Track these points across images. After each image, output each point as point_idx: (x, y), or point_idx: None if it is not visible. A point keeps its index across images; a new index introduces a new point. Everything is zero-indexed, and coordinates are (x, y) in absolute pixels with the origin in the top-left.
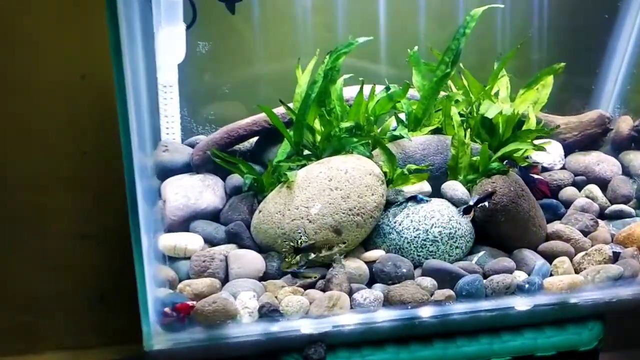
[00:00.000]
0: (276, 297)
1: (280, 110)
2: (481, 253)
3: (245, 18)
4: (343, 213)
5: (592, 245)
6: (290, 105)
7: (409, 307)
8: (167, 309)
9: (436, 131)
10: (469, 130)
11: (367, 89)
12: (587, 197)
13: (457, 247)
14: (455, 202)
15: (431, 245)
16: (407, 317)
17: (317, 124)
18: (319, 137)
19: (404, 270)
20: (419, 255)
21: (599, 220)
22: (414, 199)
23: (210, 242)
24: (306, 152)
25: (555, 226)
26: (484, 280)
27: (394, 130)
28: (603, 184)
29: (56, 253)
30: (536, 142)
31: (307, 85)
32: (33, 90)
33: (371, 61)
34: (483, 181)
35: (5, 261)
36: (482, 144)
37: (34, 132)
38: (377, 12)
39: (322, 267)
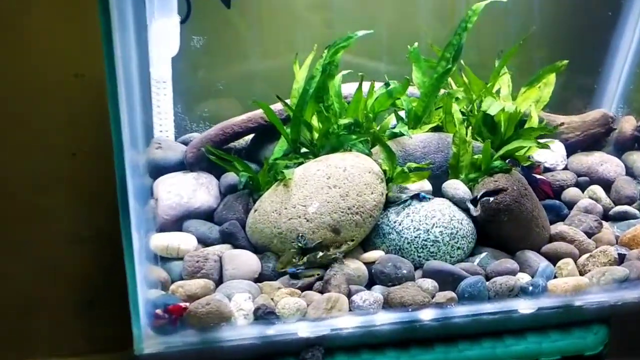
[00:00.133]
0: (272, 299)
1: (277, 106)
2: (483, 254)
3: (241, 12)
4: (341, 212)
5: (596, 247)
6: (287, 101)
7: (410, 309)
8: (158, 311)
9: (436, 129)
10: (470, 128)
11: (365, 86)
12: (591, 198)
13: (458, 248)
14: (456, 202)
15: (432, 245)
16: (407, 319)
17: (314, 121)
18: (316, 135)
19: (405, 271)
20: (420, 256)
21: (603, 222)
22: (416, 197)
23: (204, 242)
24: (303, 149)
25: (559, 227)
26: (487, 282)
27: (394, 128)
28: (606, 184)
29: (46, 256)
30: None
31: (304, 81)
32: (27, 90)
33: (370, 58)
34: (485, 180)
35: None
36: (483, 142)
37: (28, 132)
38: (376, 9)
39: (319, 268)
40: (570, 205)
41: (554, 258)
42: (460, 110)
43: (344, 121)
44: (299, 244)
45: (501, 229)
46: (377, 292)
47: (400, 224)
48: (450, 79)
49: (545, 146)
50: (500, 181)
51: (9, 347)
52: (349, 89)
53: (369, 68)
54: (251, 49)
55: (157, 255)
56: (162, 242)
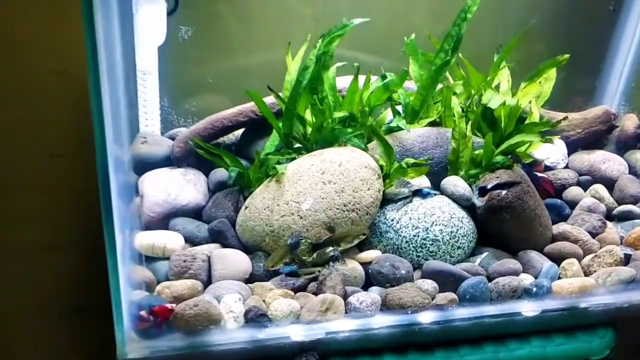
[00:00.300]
0: (264, 300)
1: (268, 100)
2: (484, 254)
3: (232, 2)
4: (337, 209)
5: (600, 248)
6: (280, 94)
7: (409, 311)
8: (143, 313)
9: (435, 124)
10: (469, 123)
11: (361, 79)
12: (593, 197)
13: (459, 248)
14: (456, 199)
15: (431, 245)
16: (406, 322)
17: (308, 115)
18: (310, 129)
19: (403, 271)
20: (419, 256)
21: (607, 222)
22: (419, 192)
23: (192, 241)
24: (296, 144)
25: (562, 227)
26: (489, 283)
27: (390, 122)
28: (609, 183)
29: (26, 263)
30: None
31: (297, 72)
32: (6, 88)
33: (365, 52)
34: (487, 176)
35: None
36: (484, 137)
37: (7, 132)
38: (370, 2)
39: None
40: (572, 204)
41: (557, 258)
42: (459, 104)
43: (338, 114)
44: (308, 240)
45: (503, 228)
46: (374, 294)
47: (398, 222)
48: (447, 74)
49: (549, 141)
50: (501, 177)
51: None
52: (343, 82)
53: (363, 63)
54: (242, 41)
55: (142, 254)
56: (147, 241)
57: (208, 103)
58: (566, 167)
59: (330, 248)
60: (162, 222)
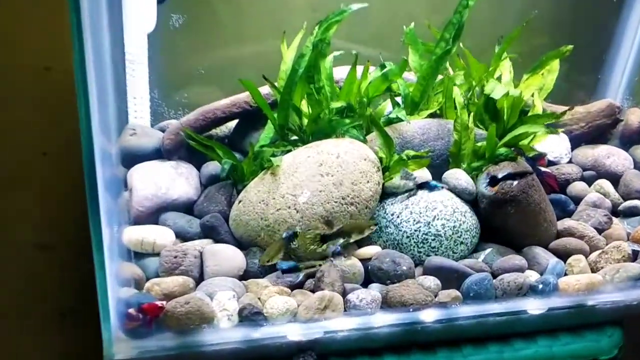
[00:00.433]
0: (259, 298)
1: (263, 90)
2: (488, 250)
3: None
4: (335, 202)
5: (606, 244)
6: (275, 84)
7: (411, 309)
8: (131, 311)
9: (435, 115)
10: (470, 115)
11: (359, 70)
12: (598, 192)
13: (461, 243)
14: (458, 193)
15: (433, 240)
16: (408, 321)
17: (304, 106)
18: (306, 120)
19: (404, 267)
20: (420, 252)
21: (613, 217)
22: (426, 185)
23: (183, 237)
24: (292, 136)
25: (567, 223)
26: (494, 280)
27: (389, 114)
28: (614, 179)
29: (12, 264)
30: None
31: (293, 61)
32: None
33: (362, 44)
34: (490, 168)
35: None
36: (486, 129)
37: None
38: None
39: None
40: (577, 200)
41: (563, 255)
42: (460, 95)
43: (336, 105)
44: (316, 231)
45: (507, 222)
46: (374, 291)
47: (398, 217)
48: (448, 65)
49: (554, 132)
50: (513, 167)
51: None
52: (340, 73)
53: (361, 55)
54: (235, 30)
55: (130, 250)
56: (136, 236)
57: (200, 95)
58: (569, 162)
59: (341, 240)
60: (152, 216)
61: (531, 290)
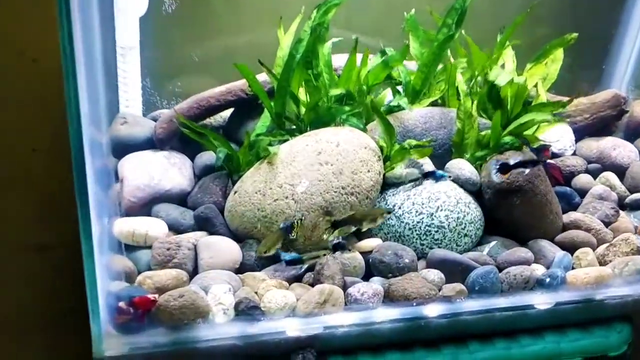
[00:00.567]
0: (256, 292)
1: (260, 78)
2: (493, 243)
3: None
4: (334, 192)
5: (614, 237)
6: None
7: (414, 303)
8: (122, 304)
9: (437, 104)
10: (474, 104)
11: (359, 57)
12: (604, 185)
13: (465, 235)
14: (462, 183)
15: (436, 232)
16: (411, 316)
17: (302, 95)
18: (303, 109)
19: (407, 260)
20: (423, 244)
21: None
22: (432, 175)
23: (176, 229)
24: (289, 125)
25: (573, 215)
26: (499, 274)
27: (390, 103)
28: (620, 171)
29: (5, 266)
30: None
31: (290, 46)
32: None
33: (361, 34)
34: (494, 158)
35: None
36: (489, 119)
37: None
38: None
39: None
40: (582, 193)
41: (570, 248)
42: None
43: (335, 92)
44: (327, 217)
45: (512, 214)
46: (376, 284)
47: (400, 208)
48: (449, 53)
49: (562, 120)
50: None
51: None
52: (339, 61)
53: (359, 45)
54: (231, 17)
55: (121, 243)
56: (127, 228)
57: (194, 84)
58: (573, 154)
59: (353, 227)
60: (144, 208)
61: (538, 284)
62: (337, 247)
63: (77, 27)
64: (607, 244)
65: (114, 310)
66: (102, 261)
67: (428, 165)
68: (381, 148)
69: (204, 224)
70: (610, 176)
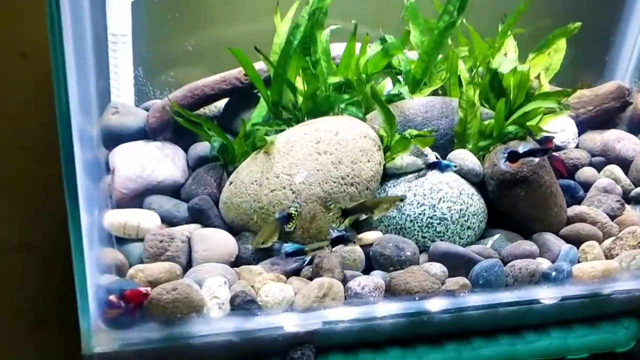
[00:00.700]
0: (252, 286)
1: (256, 67)
2: (496, 236)
3: None
4: (333, 182)
5: (619, 231)
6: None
7: (416, 298)
8: (112, 297)
9: (438, 94)
10: (476, 93)
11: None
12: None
13: (468, 228)
14: (464, 174)
15: (439, 224)
16: (413, 311)
17: (299, 83)
18: (301, 99)
19: (409, 253)
20: (425, 237)
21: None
22: (437, 165)
23: (169, 221)
24: (286, 115)
25: (578, 208)
26: (504, 267)
27: (389, 92)
28: (624, 164)
29: None
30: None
31: (288, 32)
32: None
33: (359, 23)
34: (498, 148)
35: None
36: (492, 109)
37: None
38: None
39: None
40: (585, 186)
41: (575, 241)
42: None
43: (333, 80)
44: (338, 205)
45: (516, 206)
46: (377, 278)
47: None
48: (450, 42)
49: (567, 108)
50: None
51: None
52: (337, 50)
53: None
54: (226, 4)
55: (112, 235)
56: (118, 219)
57: (187, 75)
58: (576, 147)
59: (364, 215)
60: (136, 200)
61: (544, 278)
62: (341, 240)
63: (66, 13)
64: (614, 238)
65: (104, 304)
66: (92, 254)
67: (431, 155)
68: (381, 138)
69: (198, 216)
70: (615, 169)
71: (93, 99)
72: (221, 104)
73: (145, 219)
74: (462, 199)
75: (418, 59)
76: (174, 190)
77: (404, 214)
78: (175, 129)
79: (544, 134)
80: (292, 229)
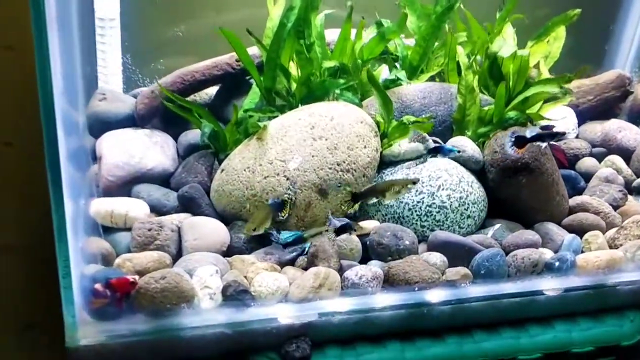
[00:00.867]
0: (245, 276)
1: (248, 52)
2: (497, 226)
3: None
4: (329, 168)
5: (622, 222)
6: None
7: (416, 288)
8: (98, 286)
9: (435, 81)
10: (475, 79)
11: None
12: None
13: (468, 217)
14: (464, 161)
15: (438, 212)
16: (413, 302)
17: (293, 69)
18: (295, 85)
19: (407, 242)
20: (423, 226)
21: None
22: (440, 149)
23: (159, 211)
24: (279, 102)
25: (580, 198)
26: (506, 257)
27: (386, 79)
28: (625, 155)
29: None
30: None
31: (281, 15)
32: None
33: (354, 12)
34: (498, 134)
35: None
36: (491, 96)
37: None
38: None
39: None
40: (586, 177)
41: (578, 231)
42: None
43: (328, 64)
44: (348, 188)
45: (517, 194)
46: (375, 267)
47: None
48: (447, 29)
49: (568, 92)
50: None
51: None
52: (331, 35)
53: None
54: None
55: (98, 225)
56: (105, 208)
57: (178, 62)
58: (576, 138)
59: (374, 199)
60: (124, 188)
61: (547, 269)
62: (344, 229)
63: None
64: (618, 227)
65: (89, 294)
66: (77, 244)
67: (430, 141)
68: (378, 124)
69: (188, 205)
70: (617, 159)
71: (79, 85)
72: (212, 91)
73: (133, 208)
74: (461, 186)
75: (415, 44)
76: (163, 179)
77: (402, 202)
78: (164, 117)
79: (544, 122)
80: (284, 217)
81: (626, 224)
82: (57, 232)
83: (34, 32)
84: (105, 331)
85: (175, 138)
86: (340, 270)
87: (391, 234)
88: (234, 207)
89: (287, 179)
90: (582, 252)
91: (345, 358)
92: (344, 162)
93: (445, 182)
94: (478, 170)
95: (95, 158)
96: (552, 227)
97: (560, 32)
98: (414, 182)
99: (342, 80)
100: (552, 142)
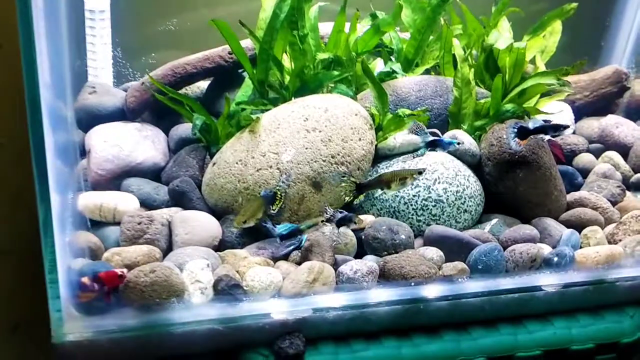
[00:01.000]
0: (237, 271)
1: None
2: (494, 221)
3: None
4: (323, 161)
5: (620, 217)
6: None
7: (412, 283)
8: (85, 280)
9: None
10: (471, 71)
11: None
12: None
13: (465, 211)
14: (460, 155)
15: (434, 206)
16: (409, 297)
17: (286, 62)
18: (288, 78)
19: (403, 237)
20: (419, 221)
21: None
22: (439, 142)
23: (149, 205)
24: (272, 94)
25: (578, 194)
26: (504, 252)
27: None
28: (623, 151)
29: None
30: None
31: (274, 5)
32: None
33: (348, 6)
34: (495, 127)
35: None
36: (487, 89)
37: None
38: None
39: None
40: (584, 173)
41: (577, 226)
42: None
43: (322, 56)
44: (352, 179)
45: (514, 188)
46: (371, 261)
47: None
48: (443, 21)
49: (566, 83)
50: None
51: None
52: (325, 29)
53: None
54: None
55: (87, 219)
56: (93, 201)
57: (169, 56)
58: (573, 134)
59: (379, 191)
60: (113, 182)
61: (545, 264)
62: (344, 221)
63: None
64: (617, 223)
65: (76, 288)
66: (64, 238)
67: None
68: (373, 117)
69: (179, 199)
70: (614, 155)
71: (67, 79)
72: (204, 85)
73: (122, 202)
74: (458, 180)
75: (410, 37)
76: (154, 174)
77: (397, 195)
78: (155, 111)
79: (542, 116)
80: (276, 210)
81: (625, 219)
82: (42, 226)
83: (19, 23)
84: (93, 326)
85: (166, 132)
86: (335, 264)
87: (387, 228)
88: (226, 200)
89: (280, 171)
90: (581, 247)
91: (340, 355)
92: (339, 154)
93: (441, 176)
94: (474, 163)
95: (84, 152)
96: (550, 222)
97: (557, 26)
98: (420, 172)
99: (336, 73)
100: (549, 138)
